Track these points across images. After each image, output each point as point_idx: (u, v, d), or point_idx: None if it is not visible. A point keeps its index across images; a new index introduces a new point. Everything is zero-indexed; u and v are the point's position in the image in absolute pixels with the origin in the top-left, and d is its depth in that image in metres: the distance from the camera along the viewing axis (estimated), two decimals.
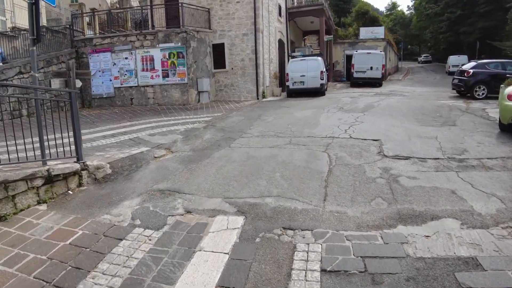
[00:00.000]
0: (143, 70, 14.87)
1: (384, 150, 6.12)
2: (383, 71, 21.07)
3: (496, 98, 12.42)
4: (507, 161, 5.43)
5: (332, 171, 5.21)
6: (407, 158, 5.69)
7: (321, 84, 15.66)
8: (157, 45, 14.67)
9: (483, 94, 12.79)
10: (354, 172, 5.11)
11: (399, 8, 74.31)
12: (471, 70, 12.91)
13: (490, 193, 4.30)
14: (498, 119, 8.48)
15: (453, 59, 31.68)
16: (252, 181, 4.97)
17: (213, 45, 16.33)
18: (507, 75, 12.49)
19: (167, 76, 14.75)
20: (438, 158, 5.62)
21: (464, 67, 13.77)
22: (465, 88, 13.17)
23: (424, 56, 54.83)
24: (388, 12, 72.87)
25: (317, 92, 15.87)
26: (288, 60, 18.14)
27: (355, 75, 21.21)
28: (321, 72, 15.57)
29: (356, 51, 22.11)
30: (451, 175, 4.91)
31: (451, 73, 30.73)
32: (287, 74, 16.16)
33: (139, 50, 14.74)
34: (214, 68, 16.47)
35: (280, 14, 19.42)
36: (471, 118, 8.79)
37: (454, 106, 11.15)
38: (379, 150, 6.15)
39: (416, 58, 59.65)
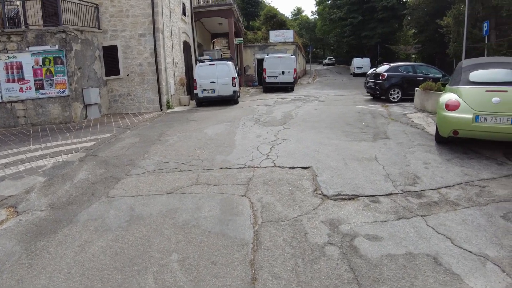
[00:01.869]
0: (8, 81, 11.31)
1: (321, 186, 4.59)
2: (295, 75, 20.50)
3: (409, 100, 12.45)
4: (467, 189, 4.35)
5: (259, 238, 3.40)
6: (353, 197, 4.23)
7: (234, 92, 14.05)
8: (27, 49, 11.33)
9: (397, 97, 12.64)
10: (291, 238, 3.38)
11: (303, 13, 78.11)
12: (386, 74, 12.66)
13: (479, 253, 3.01)
14: (425, 127, 7.86)
15: (357, 61, 33.50)
16: (130, 281, 2.87)
17: (103, 47, 13.49)
18: (418, 78, 12.54)
19: (42, 87, 11.53)
20: (391, 194, 4.28)
21: (378, 70, 13.55)
22: (380, 92, 12.90)
23: (329, 59, 58.15)
24: (294, 17, 75.96)
25: (230, 100, 14.21)
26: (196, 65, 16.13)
27: (267, 80, 20.21)
28: (233, 78, 13.95)
29: (267, 55, 21.15)
30: (419, 224, 3.54)
31: (356, 74, 32.39)
32: (195, 80, 14.14)
33: (1, 55, 11.12)
34: (106, 75, 13.60)
35: (184, 13, 17.26)
36: (400, 128, 7.98)
37: (375, 112, 10.51)
38: (315, 187, 4.60)
39: (321, 61, 63.08)
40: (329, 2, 49.43)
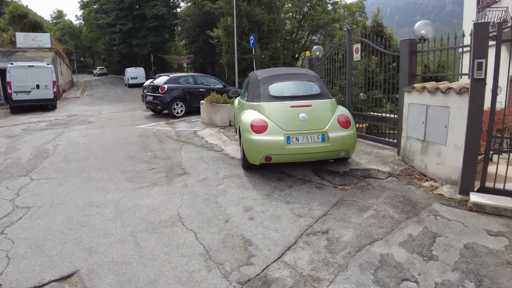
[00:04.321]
0: None
1: None
2: (55, 90, 15.93)
3: (194, 113, 11.41)
4: (315, 244, 3.13)
5: None
6: None
7: None
8: None
9: (182, 111, 11.31)
10: None
11: (66, 18, 66.88)
12: (166, 86, 11.01)
13: None
14: (223, 148, 6.66)
15: (130, 71, 30.90)
16: None
17: None
18: (200, 89, 11.64)
19: None
20: None
21: (156, 82, 11.76)
22: (162, 106, 11.17)
23: (99, 69, 52.19)
24: (55, 21, 63.93)
25: None
26: None
27: (15, 97, 14.69)
28: None
29: (12, 64, 15.39)
30: None
31: (131, 85, 29.78)
32: None
33: None
34: None
35: None
36: (196, 153, 6.41)
37: (161, 133, 8.64)
38: None
39: (91, 71, 56.14)
40: (96, 6, 43.71)
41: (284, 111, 4.74)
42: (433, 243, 3.18)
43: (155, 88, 11.41)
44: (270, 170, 5.19)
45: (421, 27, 4.91)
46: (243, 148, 4.91)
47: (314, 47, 8.47)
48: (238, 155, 6.08)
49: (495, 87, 3.83)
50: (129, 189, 4.63)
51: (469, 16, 14.39)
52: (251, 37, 15.66)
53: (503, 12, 10.12)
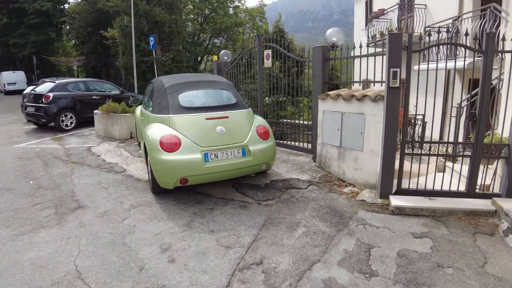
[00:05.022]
0: None
1: None
2: None
3: (87, 125, 9.90)
4: (251, 282, 2.68)
5: None
6: None
7: None
8: None
9: (72, 123, 9.69)
10: None
11: None
12: (51, 94, 9.23)
13: None
14: (125, 168, 5.75)
15: (7, 76, 25.91)
16: None
17: None
18: (94, 97, 10.18)
19: None
20: None
21: (39, 90, 9.81)
22: (47, 118, 9.35)
23: None
24: None
25: None
26: None
27: None
28: None
29: None
30: None
31: (8, 92, 25.12)
32: None
33: None
34: None
35: None
36: (93, 178, 5.35)
37: (46, 152, 7.14)
38: None
39: None
40: None
41: (199, 125, 4.19)
42: (370, 256, 3.07)
43: (37, 97, 9.51)
44: (185, 192, 4.57)
45: (333, 34, 4.92)
46: (152, 169, 4.18)
47: (222, 51, 8.08)
48: (145, 175, 5.28)
49: (407, 95, 3.96)
50: (5, 238, 3.48)
51: (359, 25, 15.93)
52: (151, 38, 14.52)
53: (388, 23, 11.35)
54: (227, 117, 4.34)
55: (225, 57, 7.95)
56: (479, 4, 8.15)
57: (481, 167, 4.11)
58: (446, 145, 4.13)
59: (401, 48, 3.80)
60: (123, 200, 4.39)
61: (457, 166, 4.64)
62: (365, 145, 4.61)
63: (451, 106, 5.17)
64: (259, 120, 4.83)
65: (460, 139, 4.45)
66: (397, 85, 3.86)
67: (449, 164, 5.05)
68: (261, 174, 5.18)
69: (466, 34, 3.95)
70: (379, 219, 3.83)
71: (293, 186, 4.85)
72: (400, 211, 3.97)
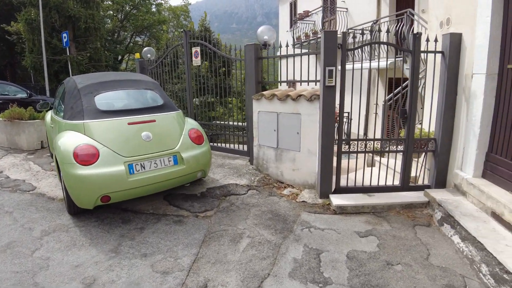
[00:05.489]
0: None
1: None
2: None
3: None
4: None
5: None
6: None
7: None
8: None
9: None
10: None
11: None
12: None
13: None
14: (35, 186, 4.84)
15: None
16: None
17: None
18: None
19: None
20: None
21: None
22: None
23: None
24: None
25: None
26: None
27: None
28: None
29: None
30: None
31: None
32: None
33: None
34: None
35: None
36: None
37: None
38: None
39: None
40: None
41: (121, 131, 3.61)
42: (320, 263, 2.90)
43: None
44: (109, 210, 3.94)
45: (264, 32, 4.72)
46: (66, 187, 3.49)
47: (145, 48, 7.39)
48: (59, 192, 4.48)
49: (342, 94, 3.92)
50: None
51: (284, 27, 16.26)
52: (64, 34, 12.88)
53: (312, 25, 11.71)
54: (154, 120, 3.83)
55: (149, 55, 7.28)
56: (395, 10, 8.81)
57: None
58: (381, 141, 4.21)
59: (336, 46, 3.74)
60: (32, 226, 3.59)
61: (384, 160, 4.81)
62: (302, 145, 4.50)
63: (375, 104, 5.33)
64: (191, 123, 4.39)
65: (385, 135, 4.59)
66: (333, 83, 3.80)
67: (377, 158, 5.23)
68: (197, 182, 4.76)
69: (395, 34, 4.06)
70: (322, 221, 3.72)
71: (232, 192, 4.53)
72: (342, 210, 3.92)
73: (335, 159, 4.15)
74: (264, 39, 4.76)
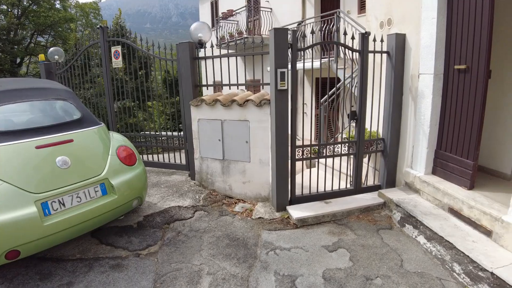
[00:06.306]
0: None
1: None
2: None
3: None
4: None
5: None
6: None
7: None
8: None
9: None
10: None
11: None
12: None
13: None
14: None
15: None
16: None
17: None
18: None
19: None
20: None
21: None
22: None
23: None
24: None
25: None
26: None
27: None
28: None
29: None
30: None
31: None
32: None
33: None
34: None
35: None
36: None
37: None
38: None
39: None
40: None
41: (26, 158, 2.72)
42: None
43: None
44: (20, 262, 3.00)
45: (198, 29, 4.17)
46: None
47: (51, 49, 6.18)
48: None
49: (294, 98, 3.60)
50: None
51: None
52: None
53: (236, 24, 11.36)
54: (71, 140, 3.00)
55: (56, 56, 6.10)
56: (319, 10, 8.93)
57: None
58: (333, 145, 4.01)
59: (287, 46, 3.39)
60: None
61: (323, 160, 4.64)
62: (252, 155, 4.08)
63: (303, 104, 5.15)
64: (117, 140, 3.60)
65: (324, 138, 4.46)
66: (286, 87, 3.45)
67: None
68: (131, 210, 3.99)
69: (345, 33, 3.90)
70: (286, 238, 3.36)
71: (176, 217, 3.89)
72: (303, 223, 3.62)
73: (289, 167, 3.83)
74: (199, 37, 4.21)
